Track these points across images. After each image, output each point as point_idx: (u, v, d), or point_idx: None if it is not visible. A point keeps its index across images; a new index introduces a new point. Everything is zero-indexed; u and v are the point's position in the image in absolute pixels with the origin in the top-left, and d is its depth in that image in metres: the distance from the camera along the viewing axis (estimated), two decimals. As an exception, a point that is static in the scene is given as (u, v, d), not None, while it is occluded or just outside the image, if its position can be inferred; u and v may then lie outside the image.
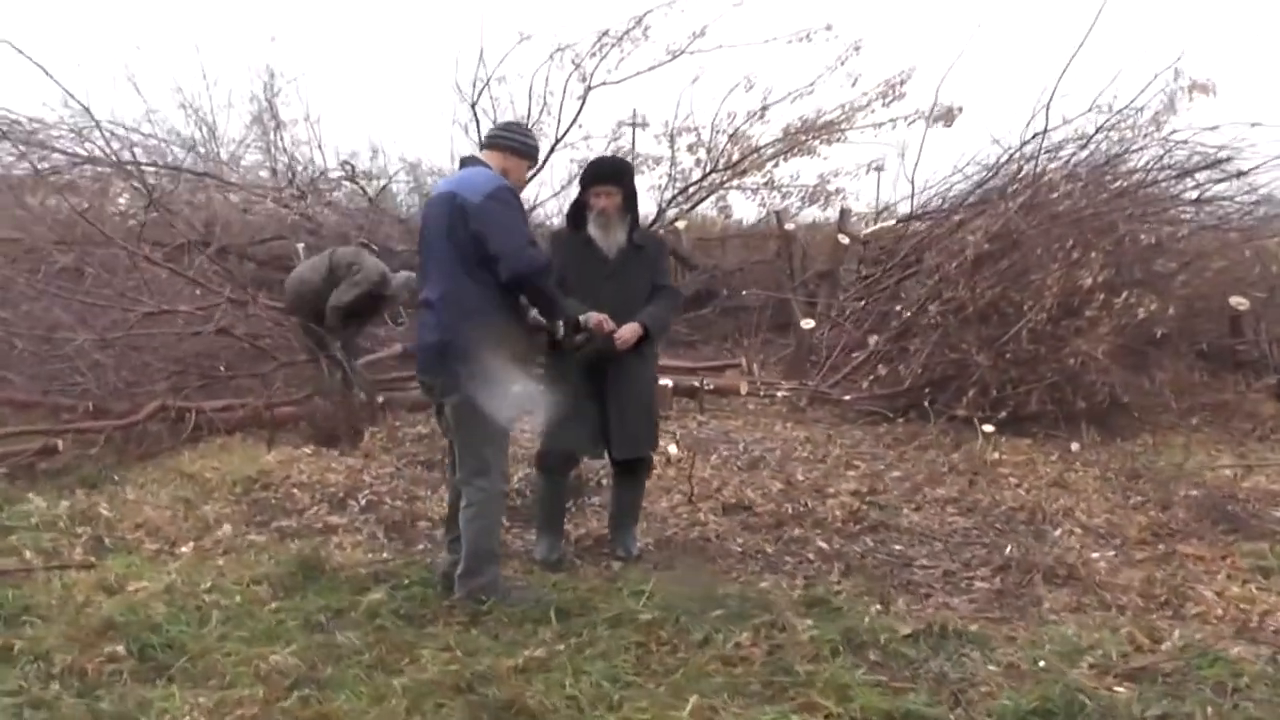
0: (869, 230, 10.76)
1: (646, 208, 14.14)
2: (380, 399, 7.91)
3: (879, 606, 4.40)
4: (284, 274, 11.41)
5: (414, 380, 8.73)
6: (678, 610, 4.16)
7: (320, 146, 13.67)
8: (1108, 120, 8.53)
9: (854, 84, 13.80)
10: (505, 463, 4.31)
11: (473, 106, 12.60)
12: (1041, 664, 3.78)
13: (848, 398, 8.24)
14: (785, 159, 14.50)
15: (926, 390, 7.84)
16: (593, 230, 4.76)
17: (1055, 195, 8.16)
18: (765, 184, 15.04)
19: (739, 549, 5.23)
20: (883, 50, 13.55)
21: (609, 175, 4.82)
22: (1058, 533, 5.50)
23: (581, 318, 4.50)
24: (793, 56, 15.15)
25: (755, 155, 14.26)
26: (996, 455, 6.76)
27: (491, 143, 4.40)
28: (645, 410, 4.87)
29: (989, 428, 7.08)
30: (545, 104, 13.47)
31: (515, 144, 4.37)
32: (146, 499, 5.81)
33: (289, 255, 11.69)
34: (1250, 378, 8.19)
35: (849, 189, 14.20)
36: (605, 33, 13.09)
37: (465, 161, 4.41)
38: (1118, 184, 8.57)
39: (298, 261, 11.06)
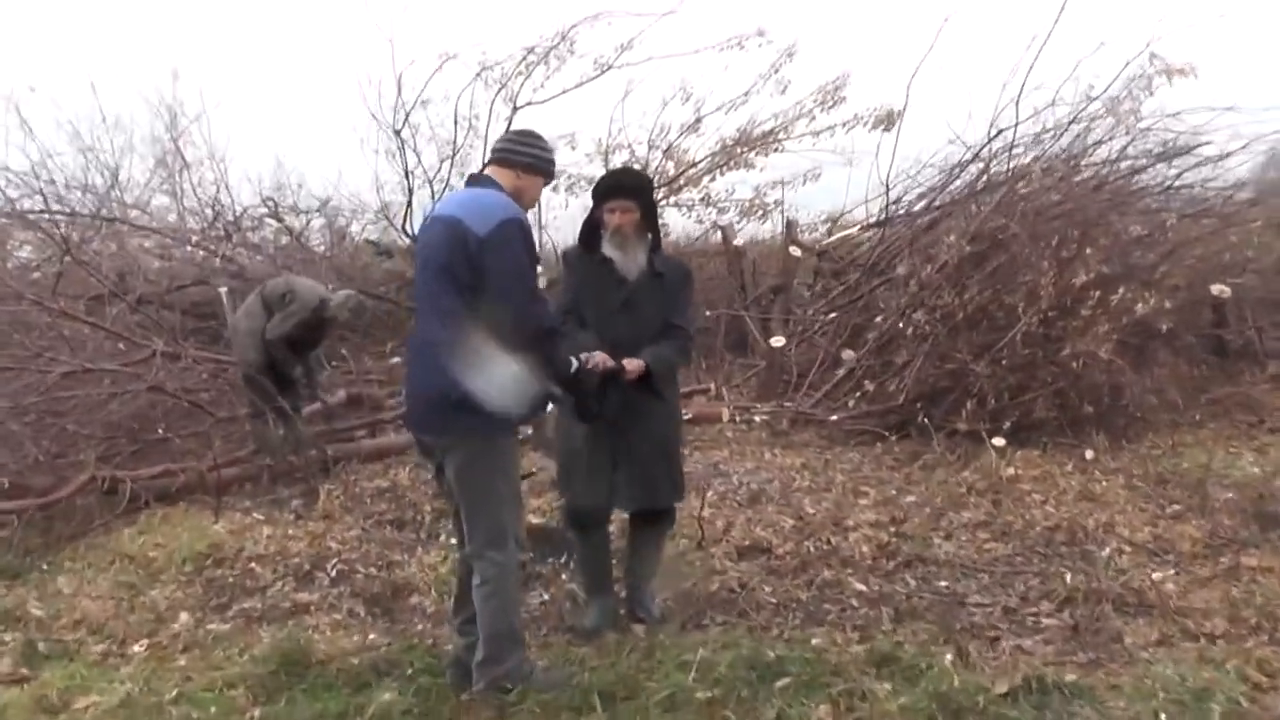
0: (828, 240, 10.34)
1: (573, 233, 13.57)
2: (330, 452, 7.21)
3: (952, 657, 3.90)
4: (207, 322, 10.70)
5: (363, 429, 8.23)
6: (736, 683, 3.60)
7: (226, 186, 12.80)
8: (1081, 109, 8.23)
9: (784, 91, 13.51)
10: (521, 527, 3.67)
11: (398, 133, 11.96)
12: (1164, 718, 3.32)
13: (834, 418, 7.77)
14: (722, 172, 14.12)
15: (919, 405, 7.39)
16: (609, 250, 4.16)
17: (1032, 190, 7.80)
18: (701, 199, 14.65)
19: (771, 599, 4.67)
20: (818, 55, 13.26)
21: (625, 189, 4.21)
22: (1105, 553, 5.08)
23: (578, 360, 3.83)
24: (726, 65, 14.82)
25: (692, 169, 13.85)
26: (1012, 470, 6.33)
27: (502, 157, 3.69)
28: (662, 455, 4.24)
29: (1000, 441, 6.66)
30: (471, 126, 12.90)
31: (531, 159, 3.70)
32: (83, 588, 5.04)
33: (210, 301, 10.92)
34: (1254, 369, 7.93)
35: (788, 200, 13.87)
36: (531, 50, 12.58)
37: (473, 180, 3.78)
38: (1092, 175, 8.27)
39: (221, 307, 10.33)
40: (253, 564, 5.36)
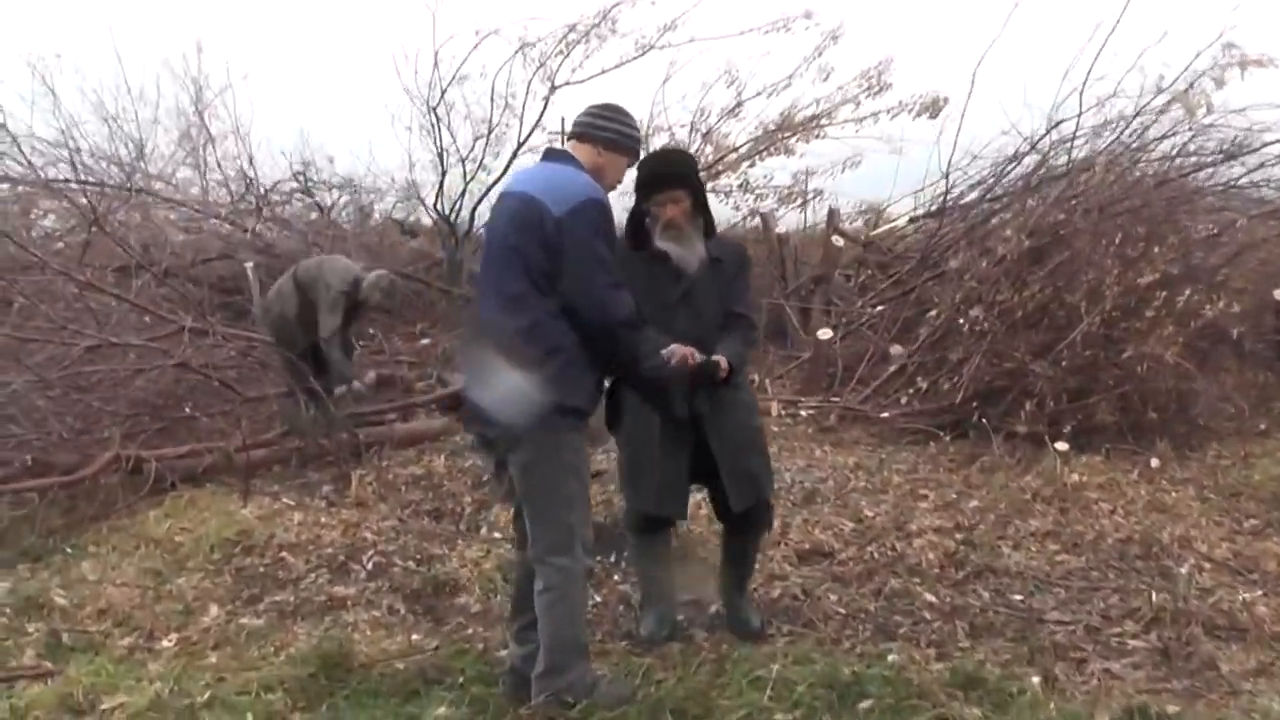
0: (875, 231, 10.02)
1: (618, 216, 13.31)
2: (361, 436, 6.96)
3: (1039, 680, 3.64)
4: (232, 297, 10.47)
5: (395, 412, 7.98)
6: (816, 705, 3.34)
7: (251, 160, 12.55)
8: (1147, 102, 7.89)
9: (826, 78, 13.21)
10: (589, 531, 3.39)
11: (434, 109, 11.69)
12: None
13: (885, 415, 7.48)
14: (761, 158, 13.79)
15: (975, 405, 7.09)
16: (664, 244, 3.84)
17: (1095, 185, 7.49)
18: (740, 185, 14.34)
19: (838, 609, 4.41)
20: (865, 39, 12.93)
21: (672, 178, 3.88)
22: (1185, 570, 4.78)
23: (664, 353, 3.57)
24: (770, 49, 14.47)
25: (732, 154, 13.55)
26: (1076, 476, 6.03)
27: (584, 133, 3.40)
28: (755, 447, 3.97)
29: (1063, 445, 6.36)
30: (508, 105, 12.62)
31: (616, 135, 3.40)
32: (108, 574, 4.82)
33: (235, 276, 10.69)
34: None
35: (827, 188, 13.57)
36: (572, 28, 12.27)
37: (549, 154, 3.49)
38: (1155, 171, 7.94)
39: (246, 282, 10.10)
40: (284, 553, 5.12)
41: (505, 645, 3.92)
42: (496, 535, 5.36)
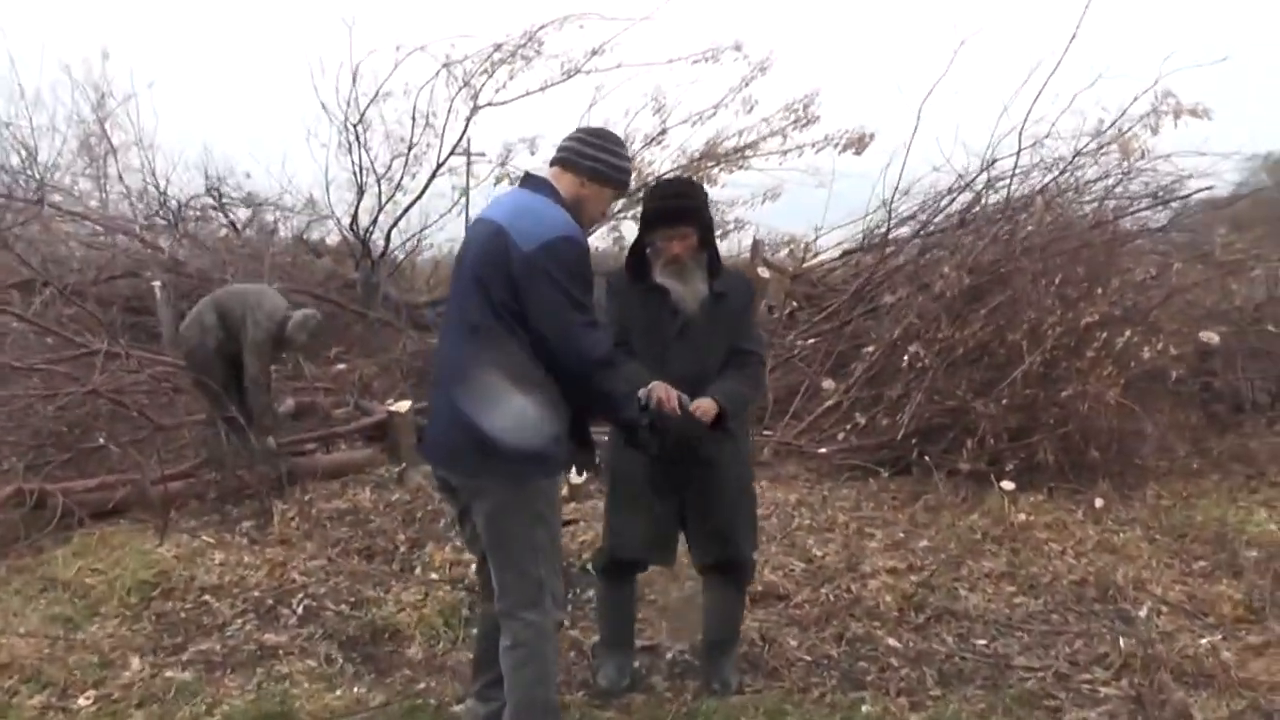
0: (808, 263, 9.99)
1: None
2: (284, 468, 6.58)
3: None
4: (138, 316, 9.93)
5: (315, 442, 7.61)
6: (799, 764, 3.15)
7: (155, 174, 11.99)
8: (1085, 144, 7.99)
9: (750, 110, 13.24)
10: (559, 582, 3.14)
11: (354, 125, 11.34)
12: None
13: (823, 450, 7.37)
14: (618, 198, 13.65)
15: (914, 442, 7.03)
16: (663, 279, 3.60)
17: (1037, 224, 7.54)
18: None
19: (801, 655, 4.24)
20: (793, 73, 12.95)
21: (682, 213, 3.60)
22: (1143, 613, 4.75)
23: (641, 393, 3.35)
24: (698, 78, 14.45)
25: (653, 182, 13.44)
26: (1023, 516, 5.98)
27: (568, 159, 3.12)
28: (740, 501, 3.76)
29: (1009, 484, 6.33)
30: (429, 124, 12.33)
31: (604, 167, 3.14)
32: (10, 623, 4.39)
33: (140, 295, 10.17)
34: (1253, 419, 7.74)
35: (749, 219, 13.58)
36: (498, 47, 12.04)
37: (527, 180, 3.20)
38: (1090, 213, 8.05)
39: (154, 302, 9.60)
40: (207, 596, 4.76)
41: (459, 700, 3.67)
42: (434, 576, 5.07)
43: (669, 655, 4.27)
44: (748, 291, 3.88)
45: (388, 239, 12.20)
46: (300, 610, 4.66)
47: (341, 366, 9.71)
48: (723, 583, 3.88)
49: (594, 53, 12.50)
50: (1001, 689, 3.95)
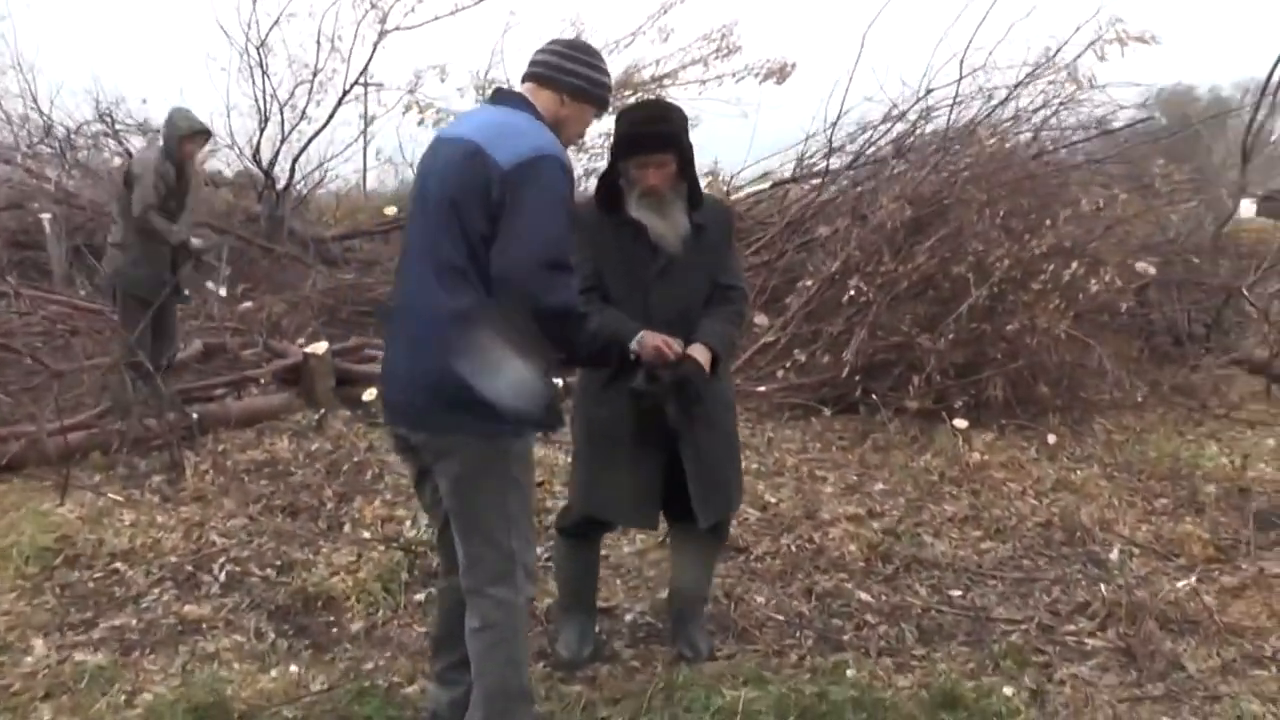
0: (735, 196, 9.64)
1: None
2: (194, 415, 6.06)
3: (1011, 691, 3.30)
4: (24, 252, 9.13)
5: (225, 387, 7.05)
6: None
7: (35, 98, 11.03)
8: (1030, 73, 7.75)
9: (666, 39, 12.84)
10: (532, 555, 2.78)
11: (259, 49, 10.58)
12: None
13: (762, 389, 7.10)
14: (599, 117, 13.23)
15: (857, 379, 6.80)
16: (639, 214, 3.19)
17: (978, 154, 7.31)
18: (576, 147, 13.81)
19: (771, 613, 3.97)
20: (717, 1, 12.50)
21: (659, 139, 3.18)
22: (1114, 556, 4.61)
23: (633, 345, 3.01)
24: (617, 4, 13.91)
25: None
26: (977, 455, 5.82)
27: (546, 74, 2.72)
28: (730, 451, 3.44)
29: (962, 423, 6.14)
30: (334, 48, 11.61)
31: (585, 83, 2.73)
32: (-114, 600, 3.87)
33: (27, 230, 9.36)
34: (1202, 351, 7.70)
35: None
36: (407, -32, 11.34)
37: (499, 96, 2.80)
38: (1028, 142, 7.85)
39: (44, 237, 8.84)
40: (117, 563, 4.27)
41: (411, 680, 3.31)
42: (365, 535, 4.67)
43: (628, 618, 3.96)
44: (727, 222, 3.52)
45: (292, 170, 11.50)
46: (223, 577, 4.21)
47: (248, 304, 9.10)
48: (700, 540, 3.56)
49: (508, -24, 11.90)
50: (986, 644, 3.74)
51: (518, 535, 2.64)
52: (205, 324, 8.06)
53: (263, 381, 7.12)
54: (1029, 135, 8.07)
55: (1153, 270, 7.87)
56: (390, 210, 12.65)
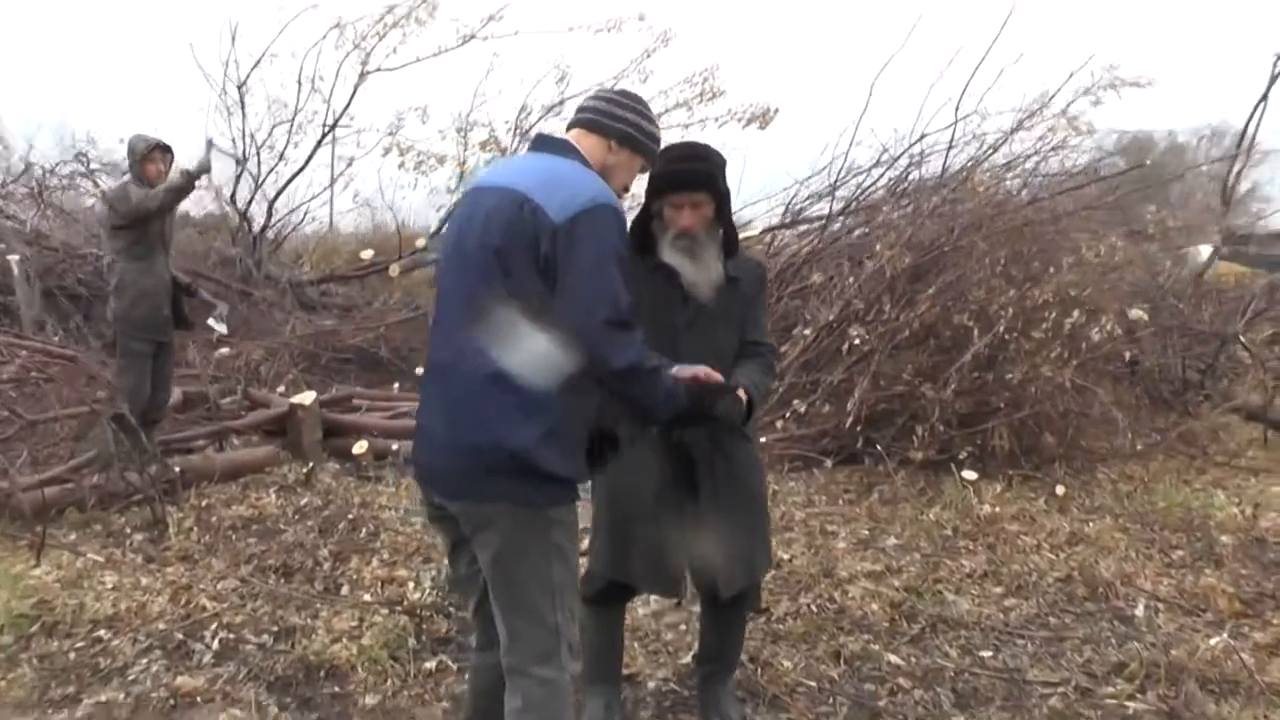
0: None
1: (425, 215, 12.51)
2: (177, 469, 5.82)
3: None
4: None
5: (205, 439, 6.79)
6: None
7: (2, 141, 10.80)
8: (1023, 119, 7.75)
9: (645, 80, 12.86)
10: (576, 628, 2.57)
11: (239, 88, 10.40)
12: None
13: (762, 440, 6.95)
14: (644, 170, 13.21)
15: (859, 429, 6.68)
16: (671, 258, 3.04)
17: (975, 200, 7.27)
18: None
19: (801, 679, 3.80)
20: (699, 47, 12.54)
21: (696, 179, 3.03)
22: (1139, 611, 4.49)
23: (672, 371, 2.85)
24: (599, 47, 13.94)
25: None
26: (988, 508, 5.69)
27: (594, 120, 2.59)
28: (759, 515, 3.27)
29: (971, 474, 6.03)
30: (315, 88, 11.48)
31: (634, 131, 2.59)
32: None
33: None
34: (1200, 398, 7.66)
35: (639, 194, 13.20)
36: (390, 9, 11.26)
37: (543, 143, 2.63)
38: (1019, 188, 7.84)
39: (12, 279, 8.57)
40: (100, 630, 4.03)
41: (434, 759, 3.10)
42: (366, 598, 4.45)
43: (651, 685, 3.78)
44: (761, 278, 3.37)
45: (269, 212, 11.30)
46: (216, 645, 3.98)
47: (226, 351, 8.86)
48: (729, 608, 3.39)
49: (491, 18, 11.88)
50: (1025, 709, 3.60)
51: (562, 609, 2.46)
52: (184, 370, 7.80)
53: (244, 433, 6.90)
54: (1019, 181, 8.06)
55: (1145, 316, 7.85)
56: (367, 254, 12.49)
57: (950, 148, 7.74)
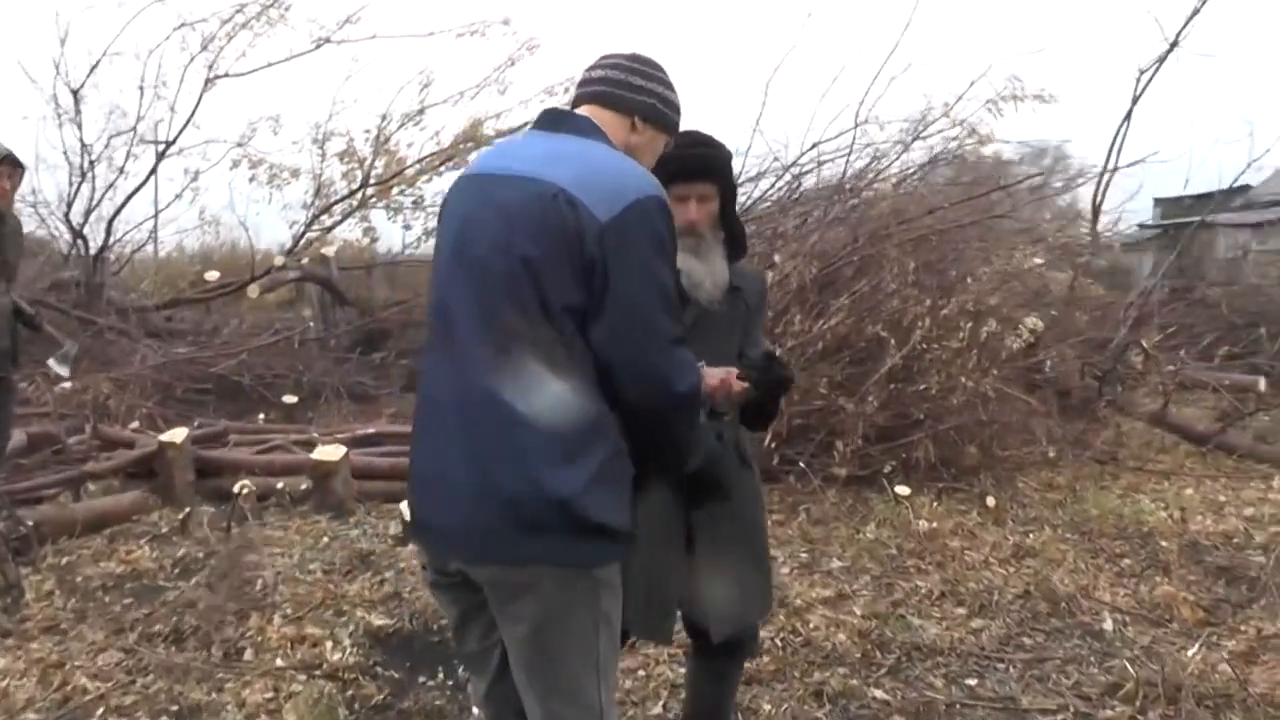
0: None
1: (278, 231, 11.81)
2: (30, 522, 5.06)
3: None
4: None
5: (59, 486, 5.96)
6: None
7: None
8: (923, 128, 7.67)
9: (504, 91, 12.53)
10: (615, 708, 2.17)
11: (74, 94, 9.44)
12: None
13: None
14: (440, 172, 12.78)
15: (774, 446, 6.41)
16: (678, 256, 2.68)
17: (879, 210, 7.14)
18: (414, 202, 13.25)
19: (788, 722, 3.45)
20: (568, 54, 12.24)
21: (703, 165, 2.65)
22: (1108, 626, 4.34)
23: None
24: (464, 53, 13.43)
25: (418, 165, 12.36)
26: (924, 524, 5.49)
27: (611, 95, 2.16)
28: (757, 553, 2.88)
29: (904, 489, 5.83)
30: (158, 94, 10.59)
31: (660, 105, 2.19)
32: None
33: None
34: (1104, 404, 7.68)
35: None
36: (240, 8, 10.48)
37: (555, 119, 2.16)
38: (912, 195, 7.77)
39: None
40: (-40, 727, 3.36)
41: None
42: (278, 662, 3.87)
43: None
44: (762, 291, 3.00)
45: (107, 232, 10.34)
46: (107, 734, 3.37)
47: (68, 384, 7.94)
48: (720, 654, 3.00)
49: (347, 20, 11.27)
50: (1033, 744, 3.34)
51: (606, 686, 2.03)
52: (28, 409, 6.92)
53: (103, 476, 6.12)
54: (922, 189, 8.00)
55: (1041, 325, 7.89)
56: (212, 275, 11.62)
57: (850, 153, 7.58)
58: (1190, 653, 4.00)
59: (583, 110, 2.16)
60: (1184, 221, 16.70)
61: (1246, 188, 15.24)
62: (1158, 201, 19.71)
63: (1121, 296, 9.09)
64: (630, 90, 2.17)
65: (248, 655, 3.96)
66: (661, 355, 1.95)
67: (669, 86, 2.23)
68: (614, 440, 1.96)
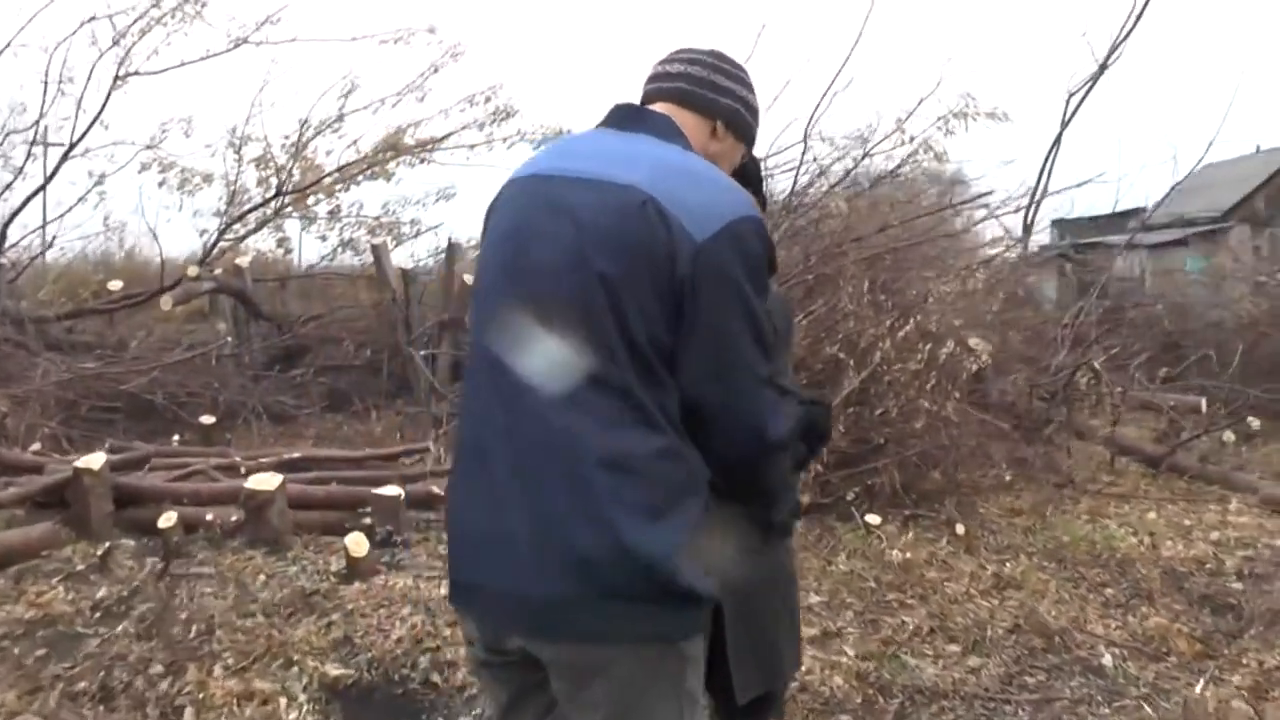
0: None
1: (188, 239, 11.27)
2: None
3: None
4: None
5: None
6: None
7: None
8: (874, 143, 7.54)
9: (423, 99, 12.23)
10: None
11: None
12: None
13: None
14: (357, 181, 12.36)
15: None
16: None
17: (833, 226, 6.96)
18: (330, 212, 12.82)
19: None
20: (493, 64, 11.97)
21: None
22: (1107, 661, 4.18)
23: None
24: (387, 59, 13.01)
25: (331, 174, 11.90)
26: (898, 554, 5.29)
27: (691, 95, 1.88)
28: (788, 606, 2.51)
29: (875, 518, 5.62)
30: (62, 90, 9.95)
31: (743, 109, 1.93)
32: None
33: None
34: (1056, 426, 7.59)
35: (422, 220, 12.66)
36: (155, 3, 9.89)
37: (630, 116, 1.86)
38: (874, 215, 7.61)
39: None
40: None
41: None
42: (223, 720, 3.46)
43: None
44: (789, 315, 2.72)
45: (3, 235, 9.64)
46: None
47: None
48: (751, 716, 2.70)
49: (266, 20, 10.77)
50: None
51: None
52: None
53: (5, 506, 5.55)
54: (869, 206, 7.85)
55: (988, 346, 7.79)
56: (115, 285, 10.95)
57: (799, 168, 7.40)
58: (1198, 689, 3.86)
59: (663, 106, 1.86)
60: (1089, 243, 17.11)
61: (1140, 209, 15.63)
62: (1055, 223, 20.13)
63: (1036, 318, 9.07)
64: (714, 91, 1.90)
65: (187, 715, 3.54)
66: (756, 399, 1.69)
67: (753, 91, 1.96)
68: (704, 494, 1.67)
